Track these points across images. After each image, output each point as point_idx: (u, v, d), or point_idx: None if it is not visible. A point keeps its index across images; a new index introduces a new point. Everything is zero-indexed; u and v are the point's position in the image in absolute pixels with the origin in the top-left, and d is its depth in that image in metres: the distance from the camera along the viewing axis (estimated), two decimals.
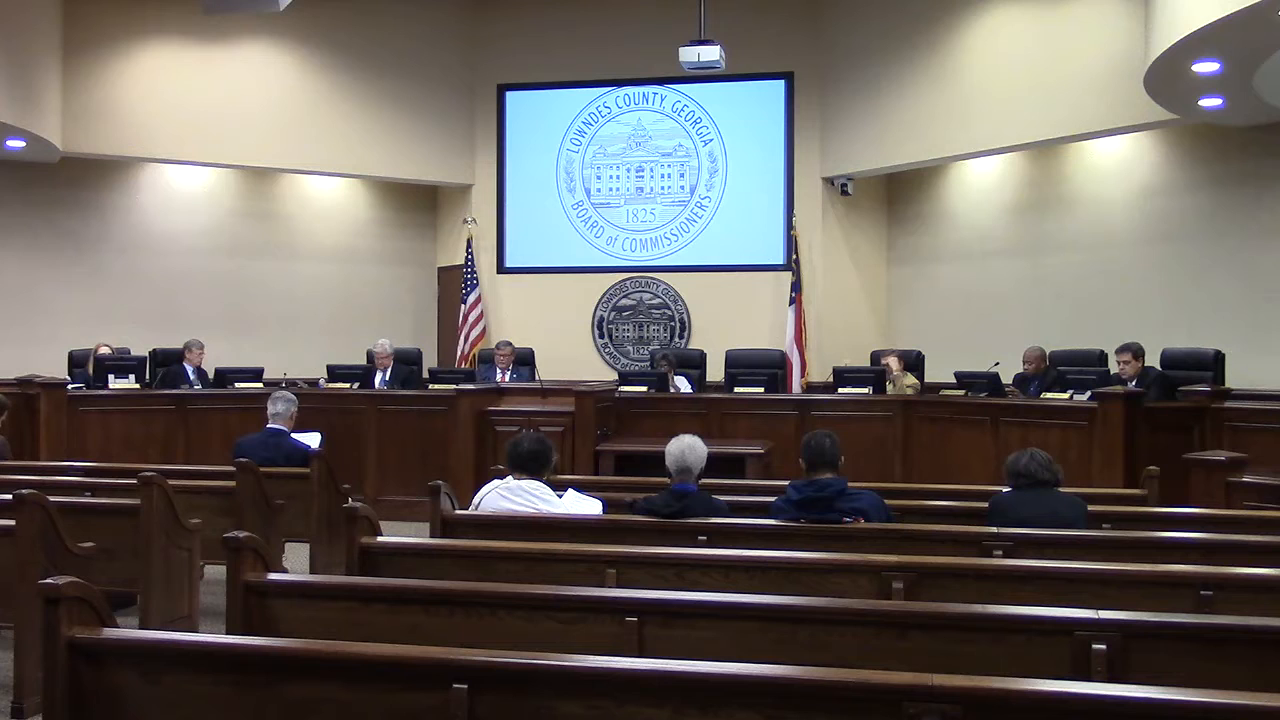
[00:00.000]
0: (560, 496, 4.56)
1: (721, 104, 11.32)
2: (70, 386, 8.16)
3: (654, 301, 11.44)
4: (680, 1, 10.00)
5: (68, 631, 2.53)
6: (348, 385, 9.03)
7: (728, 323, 11.05)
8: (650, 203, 11.50)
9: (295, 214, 11.70)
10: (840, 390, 8.66)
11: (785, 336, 10.67)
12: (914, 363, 9.37)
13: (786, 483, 4.46)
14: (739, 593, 3.38)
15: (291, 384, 8.68)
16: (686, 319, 11.36)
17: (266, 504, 5.66)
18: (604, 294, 11.53)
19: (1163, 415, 6.94)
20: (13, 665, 4.25)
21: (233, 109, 10.53)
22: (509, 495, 4.45)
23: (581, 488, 4.89)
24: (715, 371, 9.93)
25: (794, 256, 10.84)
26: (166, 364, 9.27)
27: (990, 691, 2.19)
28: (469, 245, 11.46)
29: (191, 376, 9.05)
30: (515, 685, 2.40)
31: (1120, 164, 9.31)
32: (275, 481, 5.78)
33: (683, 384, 9.28)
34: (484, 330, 11.35)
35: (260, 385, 8.83)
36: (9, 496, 4.32)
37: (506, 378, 9.40)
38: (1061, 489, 4.38)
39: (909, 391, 8.72)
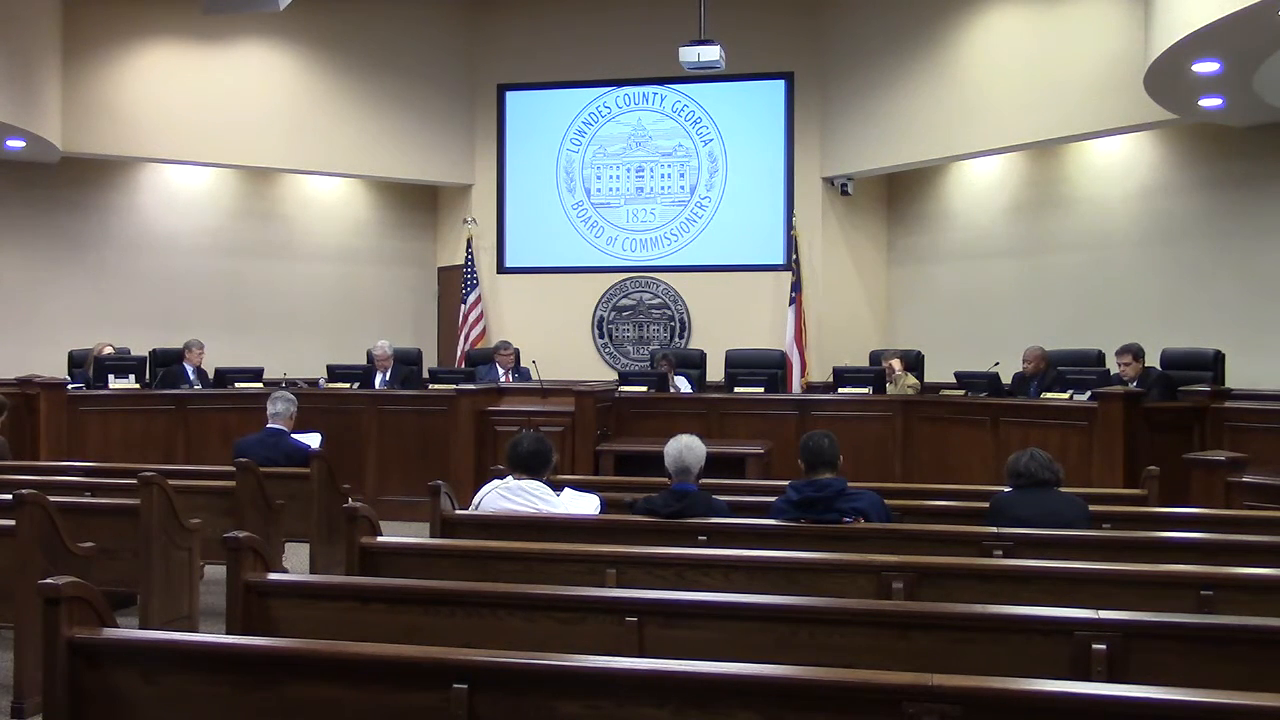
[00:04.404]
0: (559, 495, 4.56)
1: (721, 104, 11.32)
2: (70, 386, 8.16)
3: (654, 301, 11.45)
4: (680, 1, 10.00)
5: (68, 631, 2.53)
6: (348, 385, 9.03)
7: (728, 323, 11.05)
8: (650, 203, 11.50)
9: (295, 214, 11.70)
10: (840, 390, 8.67)
11: (785, 336, 10.67)
12: (914, 363, 9.37)
13: (786, 483, 4.45)
14: (739, 593, 3.38)
15: (291, 384, 8.68)
16: (686, 319, 11.36)
17: (266, 504, 5.66)
18: (604, 294, 11.53)
19: (1163, 415, 6.94)
20: (13, 665, 4.25)
21: (233, 109, 10.53)
22: (509, 495, 4.45)
23: (579, 485, 4.89)
24: (715, 371, 9.93)
25: (794, 256, 10.84)
26: (166, 364, 9.27)
27: (990, 691, 2.19)
28: (469, 245, 11.46)
29: (191, 376, 9.05)
30: (515, 685, 2.40)
31: (1120, 164, 9.31)
32: (275, 481, 5.78)
33: (683, 384, 9.28)
34: (484, 330, 11.36)
35: (260, 385, 8.83)
36: (9, 496, 4.31)
37: (510, 378, 9.41)
38: (1062, 489, 4.38)
39: (909, 392, 8.72)
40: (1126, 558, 3.82)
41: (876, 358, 9.60)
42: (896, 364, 9.01)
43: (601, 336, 11.57)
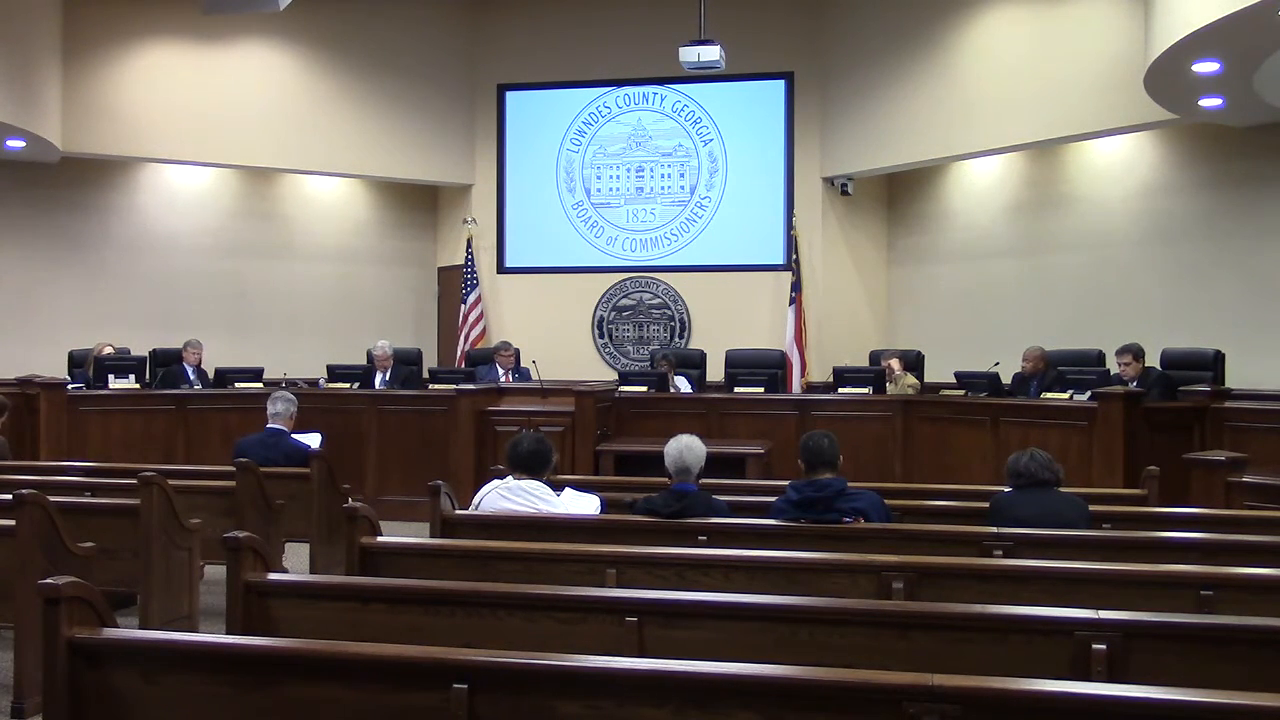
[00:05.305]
0: (559, 495, 4.56)
1: (721, 104, 11.32)
2: (70, 386, 8.16)
3: (654, 301, 11.45)
4: (680, 1, 10.00)
5: (68, 631, 2.53)
6: (348, 385, 9.03)
7: (728, 323, 11.05)
8: (650, 203, 11.50)
9: (295, 214, 11.70)
10: (840, 390, 8.67)
11: (785, 336, 10.67)
12: (913, 363, 9.37)
13: (786, 483, 4.45)
14: (739, 593, 3.38)
15: (291, 384, 8.68)
16: (686, 319, 11.36)
17: (266, 504, 5.66)
18: (604, 294, 11.53)
19: (1163, 415, 6.93)
20: (13, 665, 4.25)
21: (233, 109, 10.53)
22: (509, 495, 4.45)
23: (579, 485, 4.89)
24: (715, 371, 9.93)
25: (794, 256, 10.84)
26: (166, 364, 9.27)
27: (990, 691, 2.19)
28: (469, 245, 11.46)
29: (191, 376, 9.05)
30: (515, 685, 2.40)
31: (1120, 164, 9.31)
32: (275, 481, 5.78)
33: (683, 384, 9.28)
34: (484, 330, 11.36)
35: (260, 385, 8.83)
36: (9, 496, 4.31)
37: (510, 378, 9.42)
38: (1062, 489, 4.38)
39: (909, 391, 8.72)
40: (1126, 558, 3.82)
41: (876, 358, 9.60)
42: (895, 364, 9.00)
43: (601, 336, 11.57)
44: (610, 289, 11.53)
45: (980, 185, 10.53)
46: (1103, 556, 3.84)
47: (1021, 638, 2.86)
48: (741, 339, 10.43)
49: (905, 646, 2.90)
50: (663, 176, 11.48)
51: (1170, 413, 7.02)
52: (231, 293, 11.23)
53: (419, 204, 12.23)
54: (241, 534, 3.17)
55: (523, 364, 9.72)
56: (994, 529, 4.17)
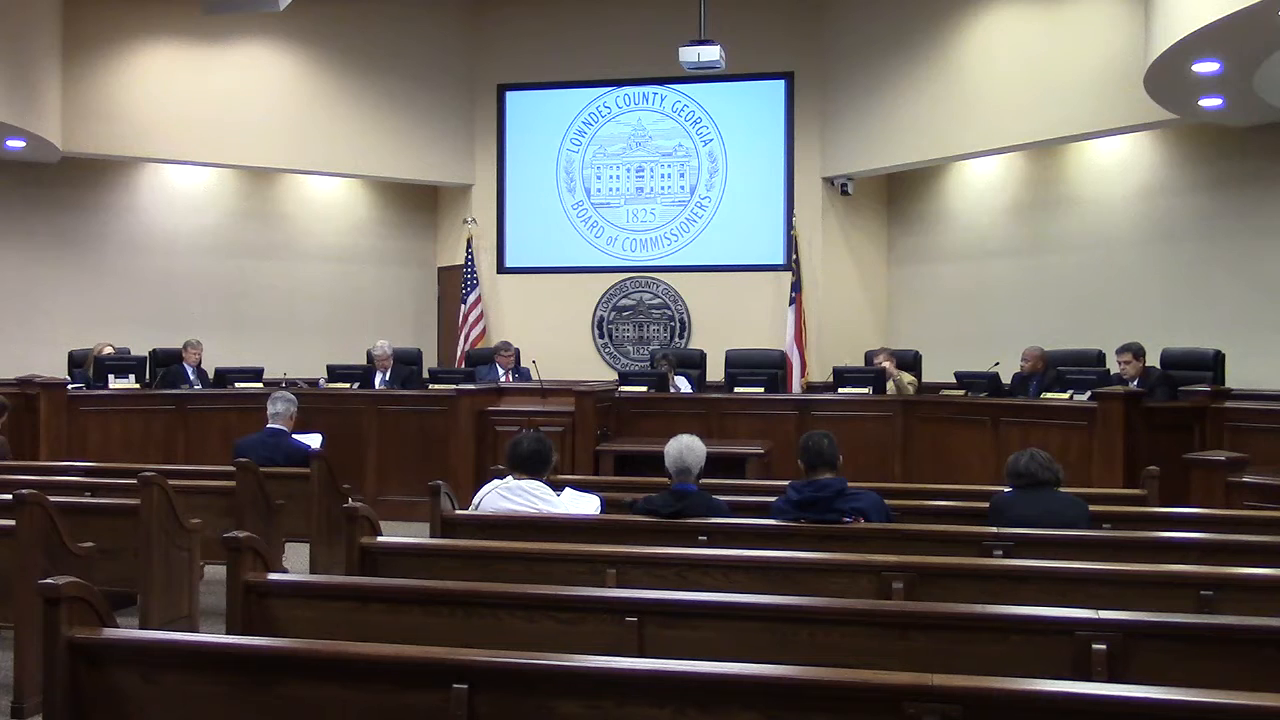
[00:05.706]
0: (559, 495, 4.56)
1: (721, 104, 11.32)
2: (70, 386, 8.16)
3: (654, 301, 11.45)
4: (680, 1, 10.00)
5: (68, 631, 2.53)
6: (348, 385, 9.03)
7: (728, 323, 11.05)
8: (650, 203, 11.50)
9: (295, 214, 11.70)
10: (840, 390, 8.67)
11: (785, 336, 10.67)
12: (909, 362, 9.36)
13: (786, 483, 4.45)
14: (739, 593, 3.38)
15: (291, 384, 8.68)
16: (686, 319, 11.36)
17: (266, 504, 5.66)
18: (604, 294, 11.53)
19: (1163, 415, 6.93)
20: (13, 665, 4.25)
21: (233, 109, 10.53)
22: (509, 495, 4.45)
23: (579, 485, 4.89)
24: (715, 371, 9.93)
25: (794, 256, 10.84)
26: (166, 364, 9.27)
27: (990, 691, 2.19)
28: (469, 245, 11.46)
29: (191, 376, 9.05)
30: (515, 685, 2.40)
31: (1120, 164, 9.31)
32: (275, 481, 5.77)
33: (683, 384, 9.27)
34: (484, 330, 11.36)
35: (260, 385, 8.83)
36: (9, 496, 4.31)
37: (510, 378, 9.42)
38: (1061, 489, 4.38)
39: (910, 389, 8.72)
40: (1126, 558, 3.82)
41: (870, 358, 9.58)
42: (889, 363, 8.99)
43: (601, 336, 11.57)
44: (610, 289, 11.53)
45: (980, 185, 10.53)
46: (1103, 556, 3.84)
47: (1021, 638, 2.86)
48: (741, 339, 10.42)
49: (905, 646, 2.90)
50: (663, 176, 11.48)
51: (1170, 413, 7.02)
52: (231, 293, 11.23)
53: (419, 204, 12.23)
54: (241, 534, 3.17)
55: (523, 364, 9.72)
56: (994, 529, 4.17)
